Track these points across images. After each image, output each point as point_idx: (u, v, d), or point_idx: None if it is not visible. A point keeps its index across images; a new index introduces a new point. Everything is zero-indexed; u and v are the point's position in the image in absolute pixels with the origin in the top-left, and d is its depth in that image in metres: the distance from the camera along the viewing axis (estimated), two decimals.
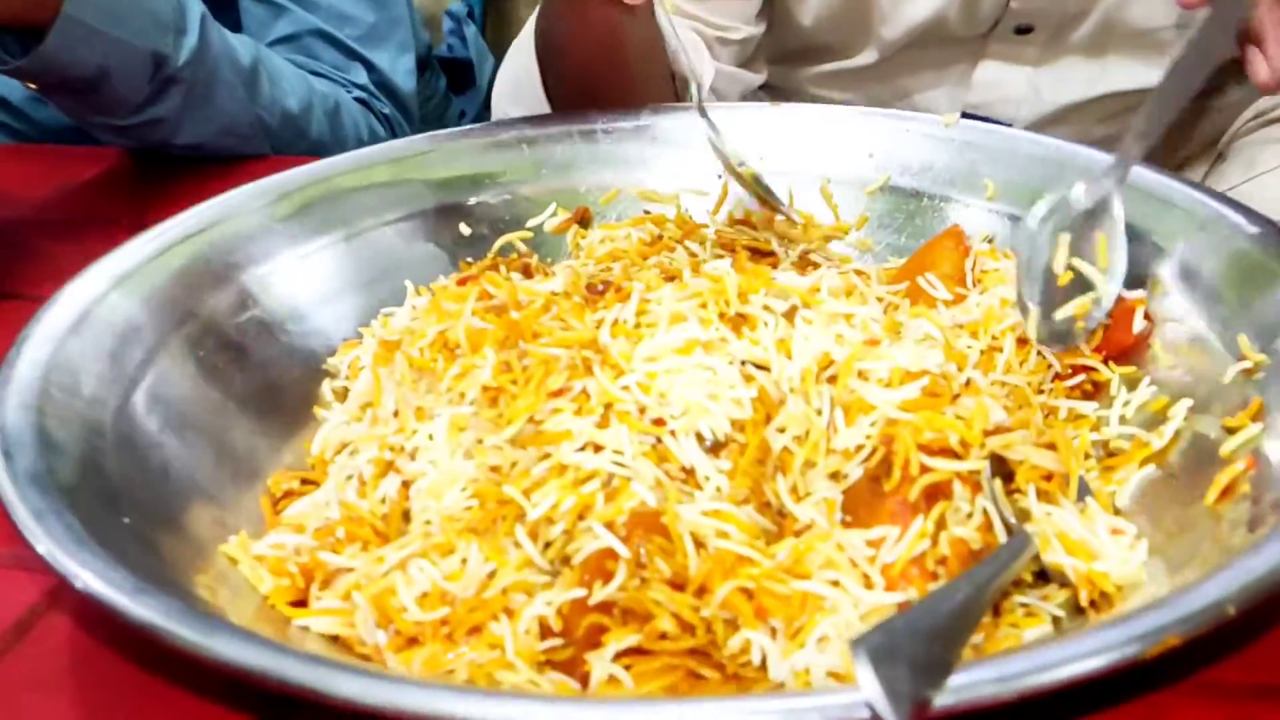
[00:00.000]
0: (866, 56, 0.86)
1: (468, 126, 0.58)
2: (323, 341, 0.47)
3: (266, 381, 0.45)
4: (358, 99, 0.84)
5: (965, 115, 0.85)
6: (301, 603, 0.35)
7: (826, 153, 0.55)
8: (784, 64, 0.95)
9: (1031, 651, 0.28)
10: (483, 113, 1.15)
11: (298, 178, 0.51)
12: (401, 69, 0.87)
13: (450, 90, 1.13)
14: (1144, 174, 0.48)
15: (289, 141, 0.77)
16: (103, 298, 0.42)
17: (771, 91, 0.97)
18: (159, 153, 0.72)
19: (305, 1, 0.82)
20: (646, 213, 0.53)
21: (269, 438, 0.43)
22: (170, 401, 0.41)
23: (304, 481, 0.41)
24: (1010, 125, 0.86)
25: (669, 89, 0.77)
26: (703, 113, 0.52)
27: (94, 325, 0.41)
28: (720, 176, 0.54)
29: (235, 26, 0.85)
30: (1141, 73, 0.85)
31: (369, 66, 0.85)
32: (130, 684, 0.33)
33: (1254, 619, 0.30)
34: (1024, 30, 0.82)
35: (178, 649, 0.28)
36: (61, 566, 0.31)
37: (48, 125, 0.89)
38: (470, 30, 1.13)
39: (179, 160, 0.72)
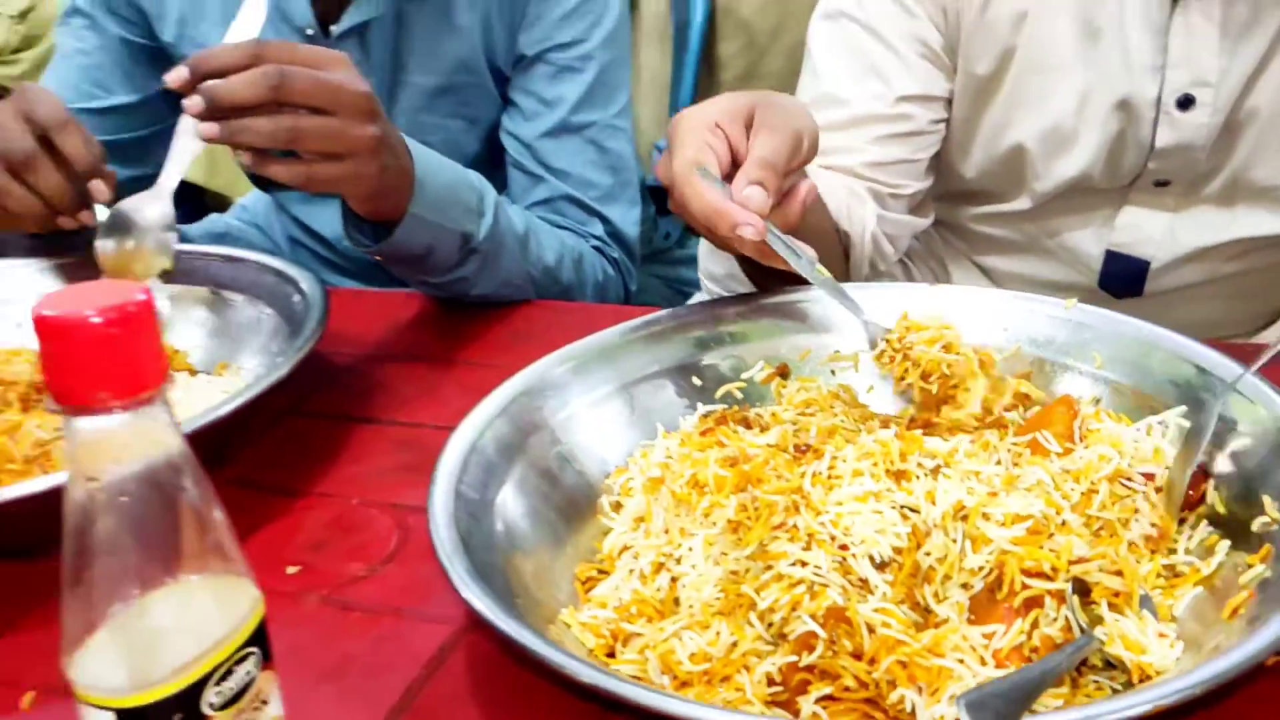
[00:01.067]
0: (1021, 203, 1.00)
1: (700, 303, 0.78)
2: (601, 467, 0.67)
3: (567, 496, 0.65)
4: (595, 247, 1.06)
5: (1109, 253, 0.99)
6: (611, 654, 0.54)
7: (968, 325, 0.72)
8: (947, 202, 1.10)
9: (1083, 707, 0.45)
10: (684, 235, 1.36)
11: (587, 348, 0.71)
12: (630, 221, 1.08)
13: (657, 214, 1.34)
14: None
15: (546, 287, 0.98)
16: (485, 429, 0.63)
17: (936, 225, 1.12)
18: (456, 299, 0.95)
19: (557, 171, 1.04)
20: (832, 371, 0.73)
21: (572, 534, 0.63)
22: (515, 507, 0.61)
23: (599, 570, 0.61)
24: (1149, 263, 0.99)
25: (836, 244, 0.94)
26: (840, 294, 0.70)
27: (478, 450, 0.62)
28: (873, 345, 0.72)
29: (502, 187, 1.08)
30: (1268, 221, 0.96)
31: (605, 220, 1.06)
32: (520, 695, 0.53)
33: (1221, 693, 0.46)
34: (1162, 184, 0.95)
35: (559, 674, 0.48)
36: (483, 613, 0.50)
37: (352, 255, 1.13)
38: None
39: (471, 304, 0.95)
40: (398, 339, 0.92)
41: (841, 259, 0.94)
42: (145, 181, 1.07)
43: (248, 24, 0.82)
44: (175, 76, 0.72)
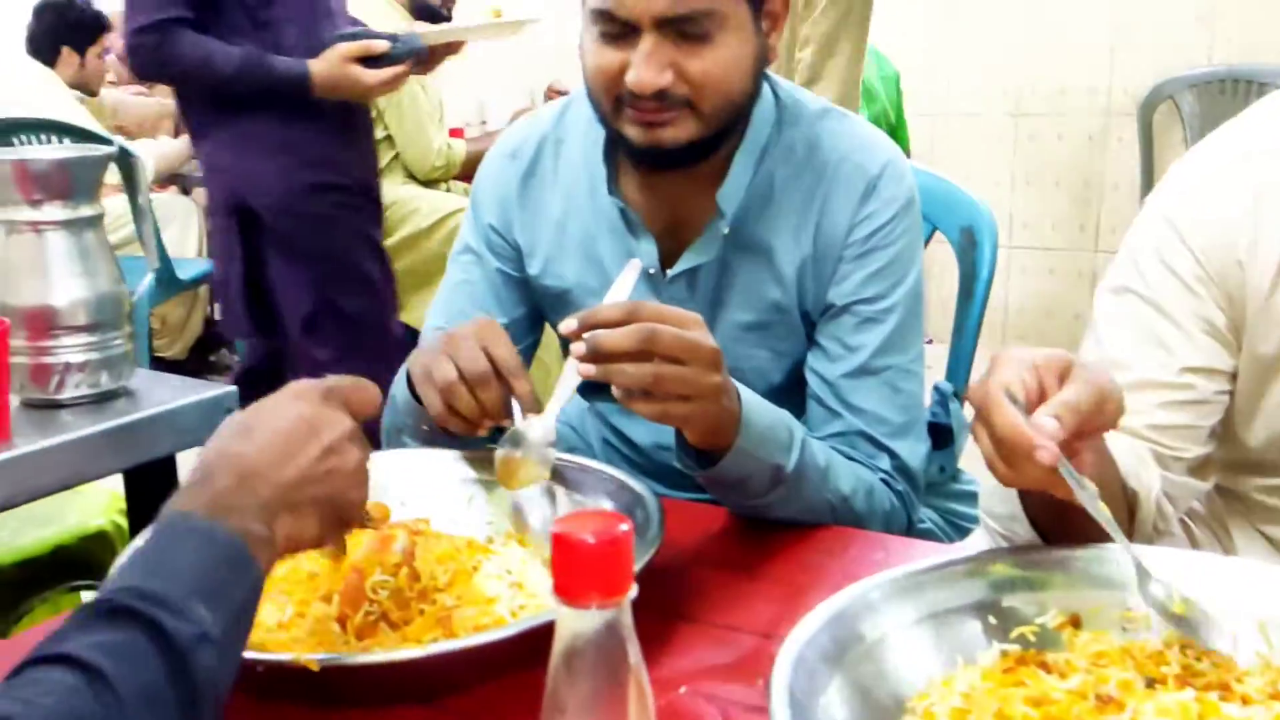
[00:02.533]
0: None
1: (1001, 549, 0.86)
2: (907, 689, 0.76)
3: (880, 711, 0.73)
4: (882, 479, 1.15)
5: None
6: None
7: (1266, 599, 0.77)
8: (1231, 471, 1.13)
9: None
10: (957, 470, 1.44)
11: (898, 577, 0.80)
12: (916, 456, 1.17)
13: (933, 449, 1.42)
14: None
15: (842, 515, 1.08)
16: (811, 639, 0.73)
17: (1220, 491, 1.15)
18: (758, 520, 1.07)
19: (855, 408, 1.15)
20: (1124, 628, 0.79)
21: None
22: (838, 713, 0.70)
23: None
24: None
25: (1123, 503, 0.99)
26: (1137, 564, 0.77)
27: (804, 659, 0.71)
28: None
29: (799, 413, 1.21)
30: None
31: (893, 456, 1.15)
32: None
33: None
34: None
35: None
36: None
37: (659, 462, 1.28)
38: (954, 406, 1.43)
39: (774, 523, 1.06)
40: (711, 546, 1.04)
41: (1126, 518, 0.99)
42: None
43: (624, 286, 1.00)
44: (567, 326, 0.90)
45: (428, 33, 2.49)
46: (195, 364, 4.23)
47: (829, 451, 1.10)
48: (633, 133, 1.07)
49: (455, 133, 3.68)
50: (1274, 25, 3.72)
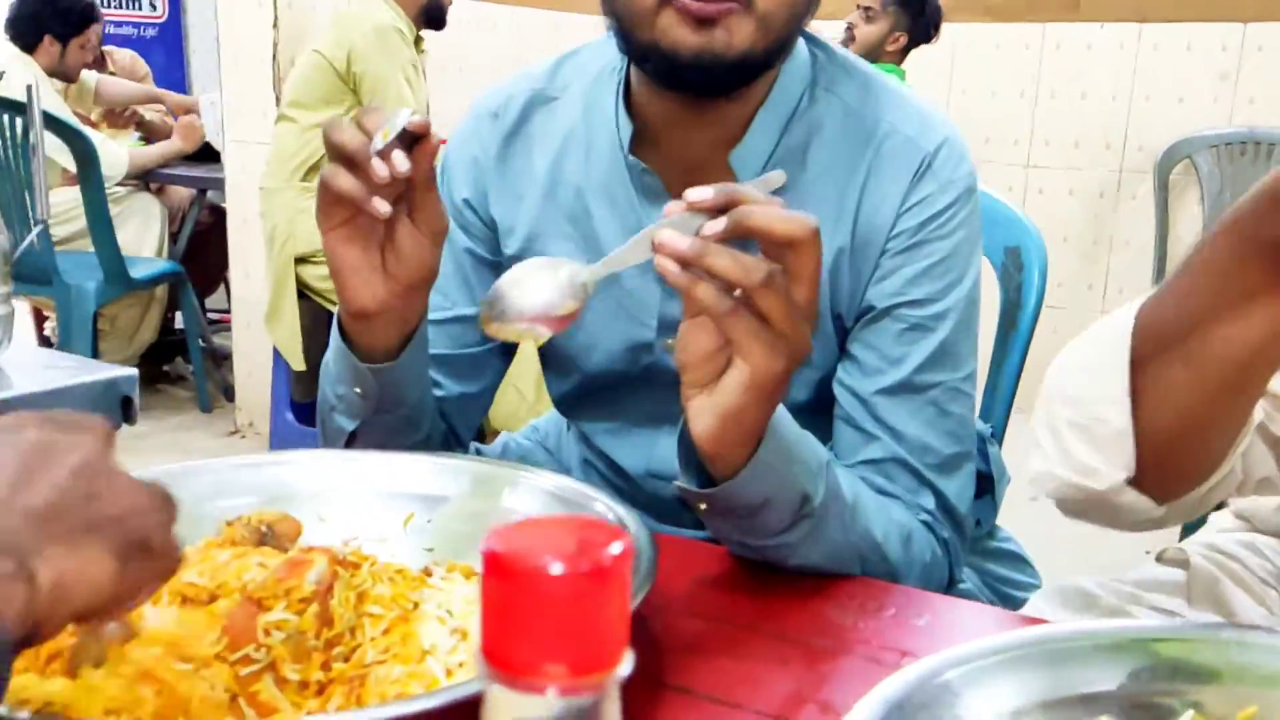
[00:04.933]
0: None
1: (1147, 625, 0.64)
2: None
3: None
4: (923, 522, 0.93)
5: None
6: None
7: None
8: None
9: None
10: (995, 525, 1.22)
11: (980, 653, 0.58)
12: (965, 497, 0.95)
13: None
14: None
15: (874, 564, 0.86)
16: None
17: None
18: (768, 565, 0.84)
19: (893, 431, 0.93)
20: None
21: None
22: None
23: None
24: None
25: None
26: None
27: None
28: None
29: (825, 439, 0.99)
30: None
31: (938, 494, 0.93)
32: None
33: None
34: None
35: None
36: None
37: (650, 491, 1.05)
38: (993, 450, 1.21)
39: (786, 573, 0.83)
40: (709, 596, 0.81)
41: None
42: (477, 398, 1.05)
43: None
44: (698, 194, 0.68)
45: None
46: (147, 373, 3.97)
47: (857, 484, 0.88)
48: (679, 36, 0.84)
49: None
50: None
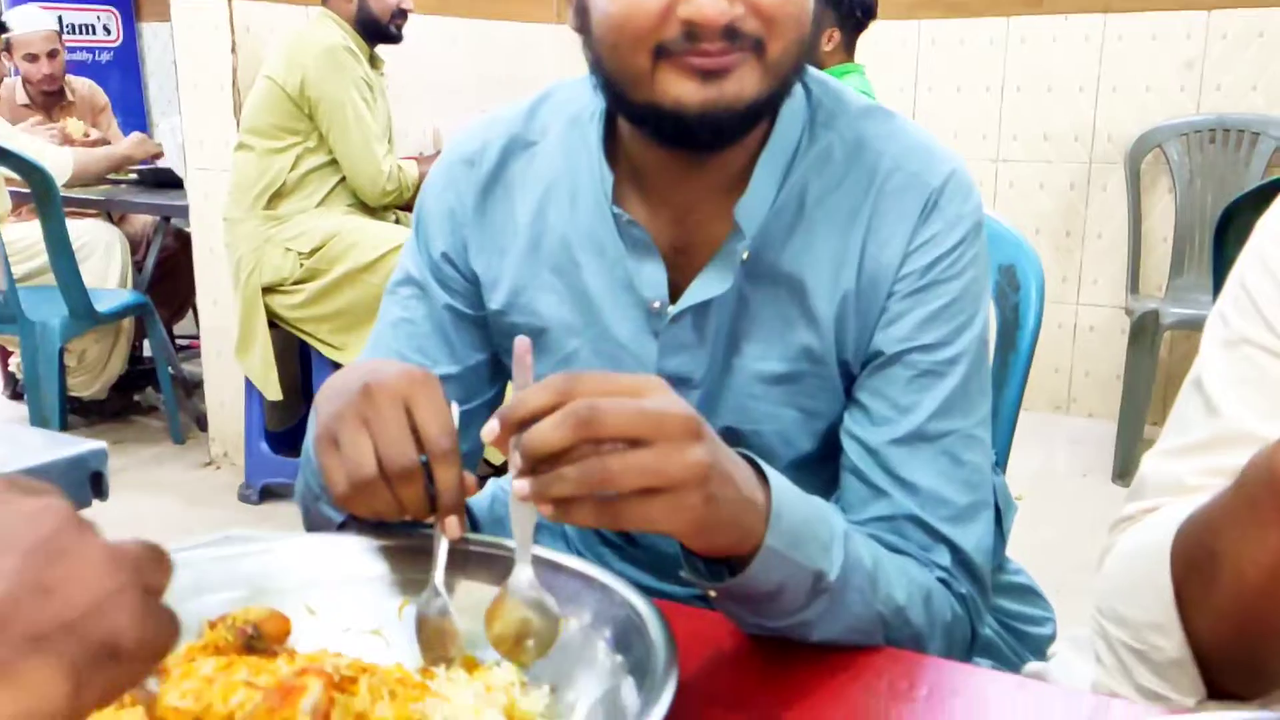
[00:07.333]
0: None
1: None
2: None
3: None
4: (939, 578, 0.89)
5: None
6: None
7: None
8: None
9: None
10: (1005, 557, 1.18)
11: None
12: (983, 548, 0.91)
13: None
14: None
15: (897, 629, 0.82)
16: None
17: None
18: (789, 640, 0.79)
19: (905, 484, 0.88)
20: None
21: None
22: None
23: None
24: None
25: None
26: None
27: None
28: None
29: (832, 489, 0.94)
30: None
31: (954, 548, 0.89)
32: None
33: None
34: None
35: None
36: None
37: (650, 549, 1.01)
38: (999, 480, 1.17)
39: (806, 648, 0.79)
40: (727, 680, 0.77)
41: None
42: (465, 458, 0.98)
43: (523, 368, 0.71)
44: (489, 431, 0.66)
45: None
46: (117, 404, 3.88)
47: (874, 547, 0.83)
48: (683, 91, 0.79)
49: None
50: (1264, 74, 3.58)
